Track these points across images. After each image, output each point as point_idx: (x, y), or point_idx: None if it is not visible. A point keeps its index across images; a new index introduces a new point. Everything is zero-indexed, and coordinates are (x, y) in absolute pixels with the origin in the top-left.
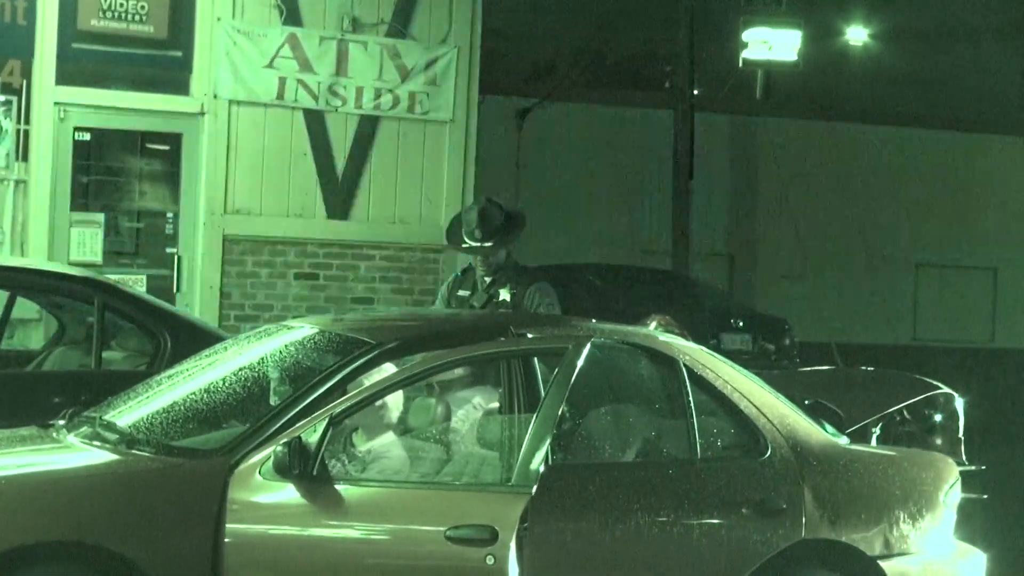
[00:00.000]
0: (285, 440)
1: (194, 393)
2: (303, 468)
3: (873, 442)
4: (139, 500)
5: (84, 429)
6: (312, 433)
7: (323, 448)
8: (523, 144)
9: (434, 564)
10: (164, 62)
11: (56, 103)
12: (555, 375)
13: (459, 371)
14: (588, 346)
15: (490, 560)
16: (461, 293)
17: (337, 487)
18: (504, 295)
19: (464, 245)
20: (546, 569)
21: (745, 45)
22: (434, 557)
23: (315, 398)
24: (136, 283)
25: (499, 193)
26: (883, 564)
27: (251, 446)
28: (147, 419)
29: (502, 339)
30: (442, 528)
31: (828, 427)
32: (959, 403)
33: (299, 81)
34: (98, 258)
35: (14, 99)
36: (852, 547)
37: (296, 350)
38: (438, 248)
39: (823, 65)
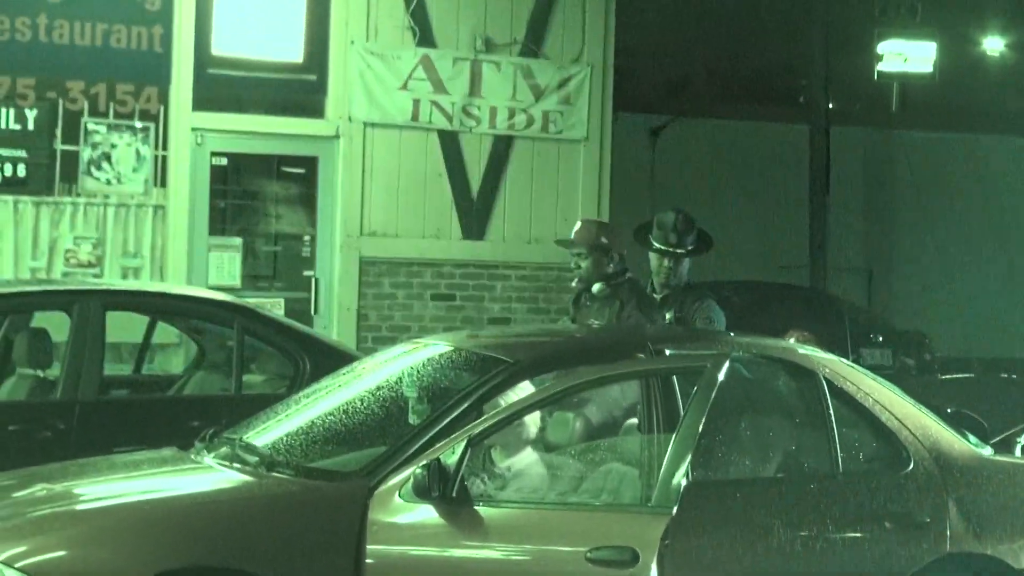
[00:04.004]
0: (424, 463)
1: (331, 413)
2: (442, 490)
3: (1018, 452)
4: (279, 523)
5: (223, 450)
6: (451, 455)
7: (462, 469)
8: (657, 161)
9: None
10: (299, 86)
11: (193, 128)
12: (694, 393)
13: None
14: (727, 363)
15: None
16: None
17: (477, 508)
18: (668, 316)
19: (656, 246)
20: None
21: (880, 57)
22: None
23: (453, 419)
24: (274, 306)
25: (634, 210)
26: None
27: (390, 468)
28: (285, 440)
29: (640, 356)
30: (583, 549)
31: (971, 437)
32: None
33: (433, 102)
34: (236, 282)
35: (152, 126)
36: (999, 560)
37: (432, 369)
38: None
39: (959, 76)
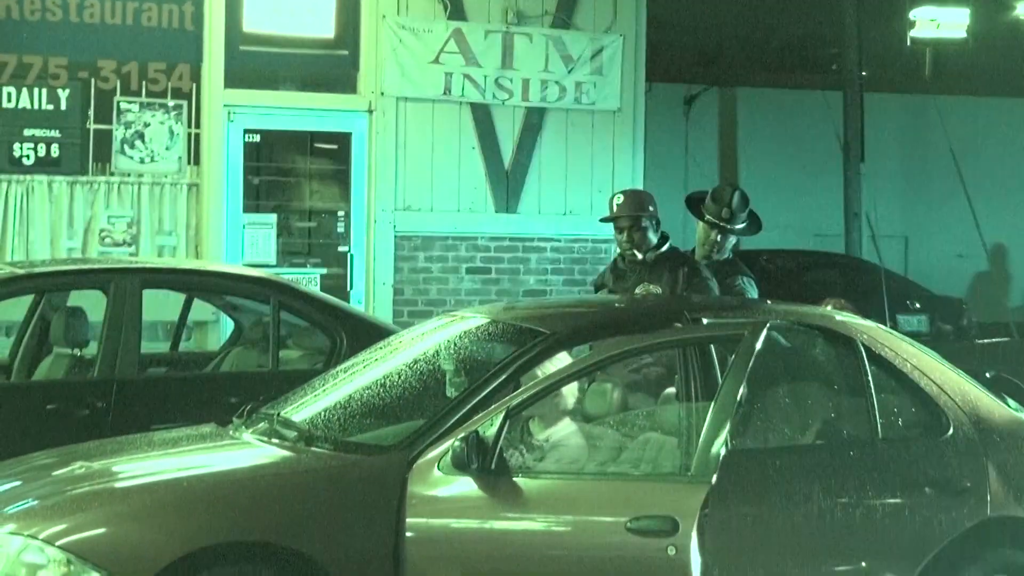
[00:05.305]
0: (463, 435)
1: (369, 387)
2: (481, 462)
3: None
4: (319, 498)
5: (261, 426)
6: (489, 427)
7: (500, 441)
8: (691, 130)
9: (615, 555)
10: (331, 62)
11: (225, 106)
12: (732, 361)
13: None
14: (765, 331)
15: (671, 551)
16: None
17: (515, 480)
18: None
19: (708, 218)
20: (728, 557)
21: (912, 24)
22: (615, 548)
23: (491, 391)
24: (309, 282)
25: (669, 180)
26: None
27: (428, 441)
28: (324, 415)
29: (677, 325)
30: (623, 519)
31: (1010, 402)
32: None
33: (465, 76)
34: (271, 258)
35: (184, 104)
36: None
37: (469, 341)
38: (609, 238)
39: (993, 41)
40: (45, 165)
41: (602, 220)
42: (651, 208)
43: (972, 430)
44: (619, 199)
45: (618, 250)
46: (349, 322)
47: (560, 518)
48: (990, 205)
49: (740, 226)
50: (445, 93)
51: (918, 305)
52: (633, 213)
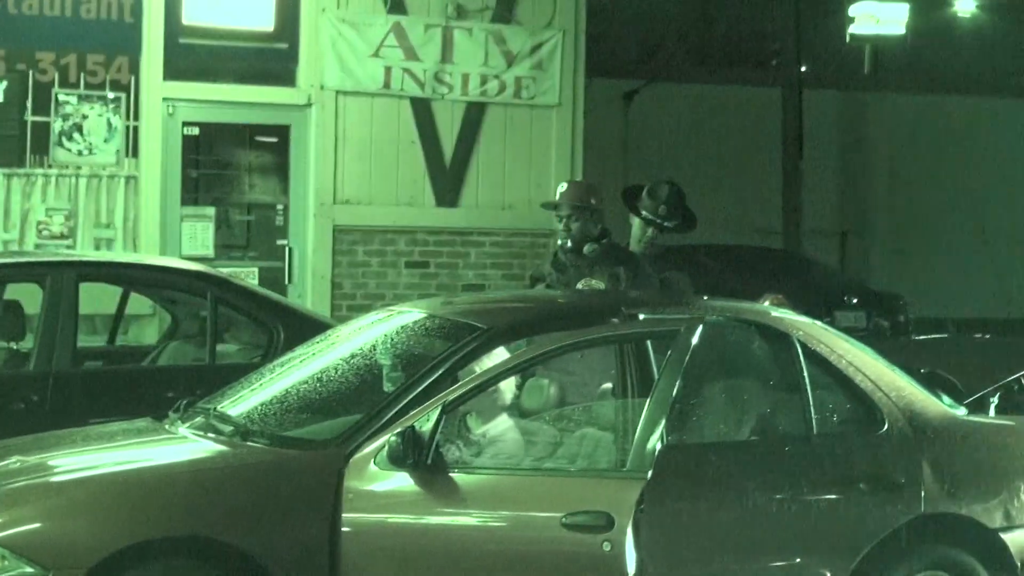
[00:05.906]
0: (399, 430)
1: (305, 382)
2: (417, 457)
3: (991, 412)
4: (254, 493)
5: (198, 420)
6: (425, 422)
7: (436, 436)
8: (630, 125)
9: (550, 551)
10: (270, 55)
11: (164, 99)
12: (668, 357)
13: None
14: (701, 326)
15: (607, 546)
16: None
17: (452, 475)
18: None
19: (644, 215)
20: (663, 552)
21: (852, 20)
22: (550, 544)
23: (427, 386)
24: (248, 276)
25: (608, 175)
26: (1004, 536)
27: (365, 436)
28: (260, 409)
29: (614, 320)
30: (558, 515)
31: (945, 398)
32: None
33: (405, 70)
34: (210, 252)
35: (123, 96)
36: (972, 520)
37: (406, 336)
38: (548, 233)
39: (931, 38)
40: None
41: (542, 205)
42: (593, 201)
43: (907, 426)
44: (563, 187)
45: (559, 242)
46: (286, 316)
47: (496, 513)
48: (929, 201)
49: (675, 223)
50: (385, 87)
51: (855, 300)
52: (573, 202)
